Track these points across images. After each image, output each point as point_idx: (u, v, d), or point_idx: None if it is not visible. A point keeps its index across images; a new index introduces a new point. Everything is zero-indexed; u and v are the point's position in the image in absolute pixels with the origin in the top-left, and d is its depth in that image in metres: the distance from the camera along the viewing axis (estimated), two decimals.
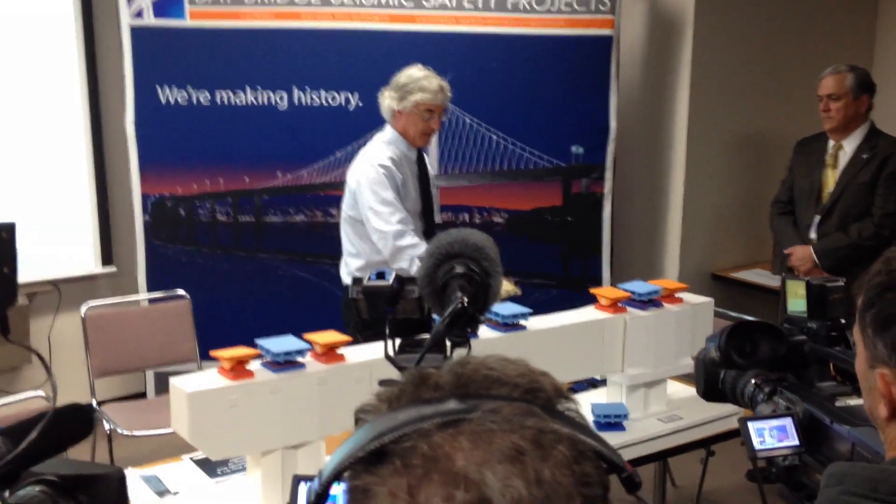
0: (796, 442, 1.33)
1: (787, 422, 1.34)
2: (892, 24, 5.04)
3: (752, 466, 3.56)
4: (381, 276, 1.34)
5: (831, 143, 3.79)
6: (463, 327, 1.22)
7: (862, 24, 5.07)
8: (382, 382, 1.29)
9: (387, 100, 3.23)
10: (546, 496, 0.57)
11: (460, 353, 1.23)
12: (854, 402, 1.32)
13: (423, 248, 3.09)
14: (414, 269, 3.06)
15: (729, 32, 4.61)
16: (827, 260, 3.71)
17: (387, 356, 1.25)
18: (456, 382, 0.64)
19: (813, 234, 3.80)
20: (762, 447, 1.35)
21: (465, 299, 1.21)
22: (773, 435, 1.36)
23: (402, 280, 1.35)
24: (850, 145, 3.75)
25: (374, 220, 3.12)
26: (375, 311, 1.34)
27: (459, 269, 1.27)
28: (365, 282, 1.33)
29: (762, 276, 4.63)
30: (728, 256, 4.83)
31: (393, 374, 1.28)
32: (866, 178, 3.68)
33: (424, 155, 3.38)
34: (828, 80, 3.70)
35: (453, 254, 1.30)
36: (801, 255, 3.78)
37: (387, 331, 1.28)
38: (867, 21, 5.08)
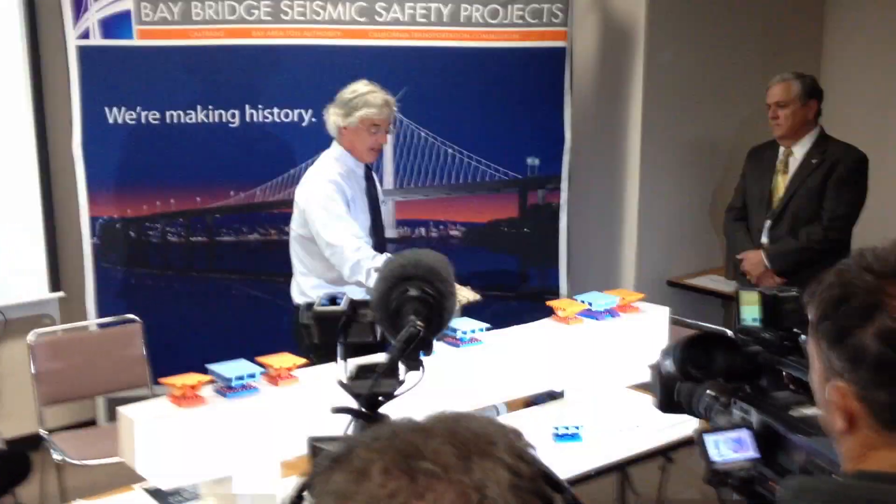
0: (753, 453, 1.32)
1: (744, 433, 1.33)
2: (839, 31, 5.13)
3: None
4: (332, 300, 1.31)
5: (782, 149, 3.84)
6: (417, 351, 1.20)
7: (809, 32, 5.15)
8: (336, 410, 1.26)
9: (332, 116, 3.21)
10: None
11: (414, 376, 1.20)
12: (809, 411, 1.31)
13: (380, 259, 3.06)
14: (371, 281, 3.02)
15: (680, 42, 4.66)
16: (778, 264, 3.74)
17: (339, 382, 1.22)
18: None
19: (764, 239, 3.84)
20: (719, 459, 1.34)
21: (420, 323, 1.19)
22: (729, 446, 1.35)
23: (354, 304, 1.32)
24: (799, 151, 3.80)
25: (328, 235, 3.09)
26: (328, 336, 1.31)
27: (413, 293, 1.25)
28: (316, 307, 1.30)
29: (716, 282, 4.67)
30: (683, 263, 4.86)
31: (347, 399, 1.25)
32: (816, 182, 3.73)
33: (372, 171, 3.37)
34: (775, 89, 3.75)
35: (406, 276, 1.28)
36: (753, 259, 3.82)
37: (339, 356, 1.25)
38: (814, 28, 5.16)
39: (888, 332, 0.93)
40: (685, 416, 2.50)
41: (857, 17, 5.02)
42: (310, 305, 1.35)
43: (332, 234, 3.08)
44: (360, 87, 3.20)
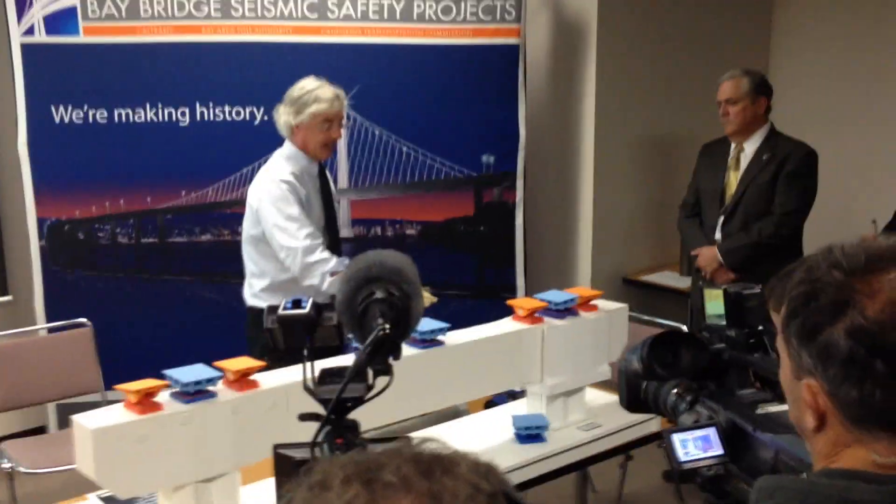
0: (720, 451, 1.33)
1: (711, 431, 1.34)
2: (787, 27, 5.21)
3: (668, 468, 3.61)
4: (297, 303, 1.28)
5: (734, 145, 3.88)
6: (385, 354, 1.18)
7: (758, 29, 5.23)
8: (303, 417, 1.23)
9: (283, 116, 3.16)
10: None
11: (382, 381, 1.18)
12: (775, 408, 1.32)
13: (333, 262, 3.03)
14: (325, 285, 2.99)
15: (632, 39, 4.70)
16: (731, 259, 3.79)
17: (306, 388, 1.20)
18: None
19: (718, 235, 3.88)
20: (686, 458, 1.34)
21: (388, 326, 1.17)
22: (697, 445, 1.36)
23: (319, 307, 1.29)
24: (750, 147, 3.84)
25: (281, 236, 3.04)
26: (292, 340, 1.28)
27: (379, 294, 1.23)
28: (280, 310, 1.27)
29: (671, 279, 4.72)
30: (638, 260, 4.90)
31: (317, 409, 1.23)
32: (766, 178, 3.78)
33: (325, 169, 3.33)
34: (725, 86, 3.79)
35: (371, 278, 1.26)
36: (707, 255, 3.86)
37: (304, 361, 1.22)
38: (763, 26, 5.24)
39: (858, 329, 0.93)
40: (647, 415, 2.54)
41: (805, 13, 5.11)
42: (273, 309, 1.33)
43: (286, 235, 3.04)
44: (309, 83, 3.16)
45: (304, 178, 3.17)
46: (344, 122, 3.27)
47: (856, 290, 0.95)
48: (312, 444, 1.14)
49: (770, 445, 1.25)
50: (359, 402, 1.18)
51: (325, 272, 3.01)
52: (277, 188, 3.07)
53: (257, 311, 3.09)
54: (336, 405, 1.16)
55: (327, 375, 1.23)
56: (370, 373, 1.20)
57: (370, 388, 1.19)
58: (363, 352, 1.17)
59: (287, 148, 3.19)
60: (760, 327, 1.39)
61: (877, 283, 0.95)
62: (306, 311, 1.27)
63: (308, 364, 1.25)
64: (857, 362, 0.94)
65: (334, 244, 3.24)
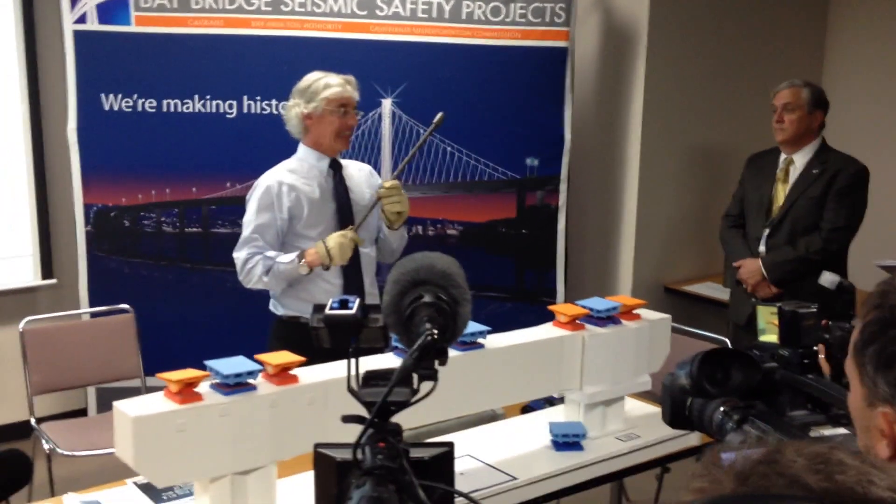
0: None
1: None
2: (842, 40, 5.12)
3: None
4: (343, 303, 1.27)
5: (782, 157, 3.82)
6: (432, 360, 1.16)
7: (812, 43, 5.15)
8: (346, 419, 1.22)
9: (293, 109, 3.04)
10: None
11: (427, 386, 1.17)
12: (829, 431, 1.29)
13: (259, 267, 2.96)
14: (263, 284, 2.98)
15: (682, 46, 4.64)
16: (775, 273, 3.73)
17: (349, 389, 1.19)
18: None
19: (762, 248, 3.82)
20: None
21: (436, 331, 1.15)
22: None
23: (365, 308, 1.28)
24: (800, 160, 3.78)
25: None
26: (338, 341, 1.27)
27: (427, 299, 1.21)
28: (327, 310, 1.26)
29: (713, 290, 4.66)
30: (680, 269, 4.85)
31: (355, 407, 1.21)
32: (816, 192, 3.71)
33: (342, 163, 3.13)
34: (784, 93, 3.72)
35: (419, 281, 1.24)
36: (750, 268, 3.80)
37: (349, 363, 1.21)
38: (817, 40, 5.16)
39: None
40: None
41: (861, 26, 5.02)
42: (319, 308, 1.31)
43: (238, 243, 3.02)
44: (314, 74, 3.07)
45: (310, 175, 3.04)
46: (359, 112, 3.11)
47: None
48: (355, 446, 1.12)
49: None
50: (403, 405, 1.16)
51: (259, 275, 2.97)
52: (253, 189, 3.05)
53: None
54: (380, 408, 1.14)
55: (372, 378, 1.21)
56: (415, 377, 1.18)
57: (415, 392, 1.17)
58: (410, 356, 1.15)
59: (299, 149, 3.10)
60: (815, 347, 1.35)
61: None
62: (353, 311, 1.26)
63: (352, 364, 1.23)
64: None
65: None
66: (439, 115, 3.03)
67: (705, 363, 1.36)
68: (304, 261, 2.94)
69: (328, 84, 3.00)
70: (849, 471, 0.61)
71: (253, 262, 2.99)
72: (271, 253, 2.99)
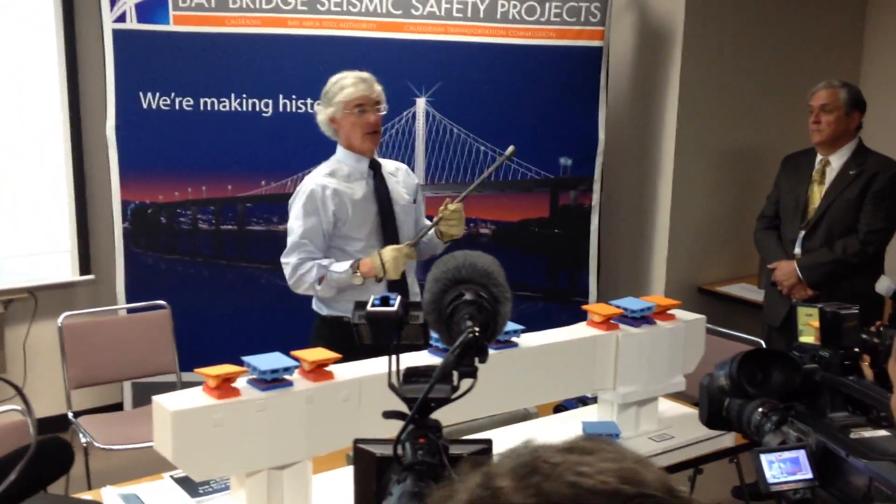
0: (810, 475, 1.29)
1: (801, 454, 1.30)
2: (879, 41, 5.06)
3: (737, 483, 3.53)
4: (385, 300, 1.28)
5: (818, 158, 3.78)
6: (472, 357, 1.17)
7: (849, 41, 5.09)
8: (387, 415, 1.24)
9: (321, 115, 3.06)
10: None
11: (467, 383, 1.18)
12: (869, 433, 1.28)
13: (314, 272, 2.96)
14: (317, 291, 2.98)
15: (718, 45, 4.61)
16: (811, 275, 3.69)
17: (390, 385, 1.20)
18: None
19: (797, 250, 3.78)
20: (773, 480, 1.31)
21: (477, 329, 1.16)
22: (784, 467, 1.32)
23: (406, 305, 1.29)
24: (837, 161, 3.74)
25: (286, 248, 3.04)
26: (380, 337, 1.29)
27: (469, 297, 1.22)
28: (368, 307, 1.28)
29: (748, 291, 4.62)
30: (714, 270, 4.81)
31: (395, 402, 1.23)
32: (853, 194, 3.67)
33: (382, 163, 3.13)
34: (821, 93, 3.69)
35: (461, 279, 1.25)
36: (786, 270, 3.77)
37: (390, 359, 1.22)
38: (855, 38, 5.10)
39: None
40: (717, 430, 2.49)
41: None
42: (360, 304, 1.33)
43: (287, 247, 3.02)
44: (334, 77, 3.06)
45: (351, 179, 3.04)
46: (382, 107, 3.05)
47: None
48: (396, 442, 1.14)
49: (864, 472, 1.21)
50: (443, 402, 1.18)
51: (312, 282, 2.97)
52: (296, 194, 3.04)
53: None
54: (421, 405, 1.16)
55: (412, 374, 1.23)
56: (455, 374, 1.19)
57: (455, 389, 1.18)
58: (451, 353, 1.16)
59: (337, 151, 3.11)
60: (856, 349, 1.34)
61: None
62: (394, 308, 1.28)
63: (393, 361, 1.25)
64: None
65: (391, 244, 3.05)
66: (511, 147, 3.09)
67: (745, 363, 1.36)
68: (358, 272, 2.94)
69: (342, 86, 3.00)
70: (556, 470, 0.60)
71: (305, 268, 2.97)
72: (325, 261, 2.98)
